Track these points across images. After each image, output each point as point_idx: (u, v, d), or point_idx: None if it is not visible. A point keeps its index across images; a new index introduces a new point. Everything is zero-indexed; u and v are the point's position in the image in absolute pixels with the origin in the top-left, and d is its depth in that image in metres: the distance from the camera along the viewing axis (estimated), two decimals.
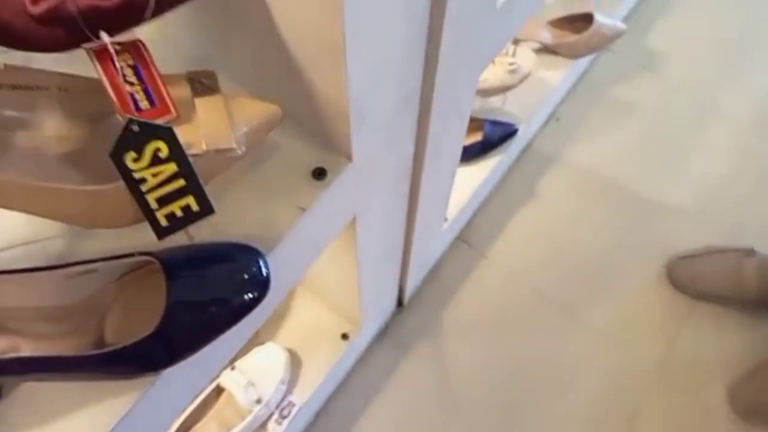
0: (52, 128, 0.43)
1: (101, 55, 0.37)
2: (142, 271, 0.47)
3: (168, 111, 0.39)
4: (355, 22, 0.41)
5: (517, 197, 1.36)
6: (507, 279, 1.27)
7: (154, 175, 0.39)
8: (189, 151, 0.40)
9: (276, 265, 0.49)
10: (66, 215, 0.41)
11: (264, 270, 0.47)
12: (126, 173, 0.38)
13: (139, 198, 0.39)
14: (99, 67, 0.37)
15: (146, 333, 0.40)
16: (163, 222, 0.41)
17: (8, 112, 0.41)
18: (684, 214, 1.35)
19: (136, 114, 0.38)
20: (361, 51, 0.44)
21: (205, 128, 0.42)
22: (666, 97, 1.54)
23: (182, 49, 0.49)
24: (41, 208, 0.39)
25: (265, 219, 0.52)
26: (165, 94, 0.39)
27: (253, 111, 0.45)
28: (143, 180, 0.39)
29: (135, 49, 0.38)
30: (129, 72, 0.38)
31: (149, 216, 0.40)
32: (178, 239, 0.44)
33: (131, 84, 0.38)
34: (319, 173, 0.55)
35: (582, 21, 1.33)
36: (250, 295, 0.46)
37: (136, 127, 0.37)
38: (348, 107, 0.49)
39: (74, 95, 0.42)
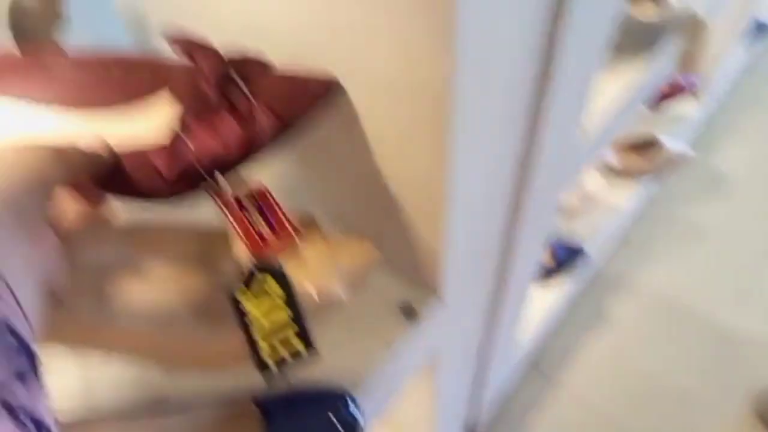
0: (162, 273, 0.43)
1: (226, 202, 0.38)
2: (234, 412, 0.46)
3: (291, 241, 0.39)
4: (459, 178, 0.42)
5: (589, 322, 1.31)
6: (581, 410, 1.19)
7: (267, 318, 0.39)
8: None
9: (362, 404, 0.48)
10: (177, 363, 0.40)
11: (357, 416, 0.47)
12: (240, 315, 0.38)
13: (250, 341, 0.39)
14: (225, 211, 0.38)
15: None
16: (274, 369, 0.40)
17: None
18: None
19: (260, 248, 0.38)
20: (461, 201, 0.45)
21: (311, 272, 0.42)
22: (736, 220, 1.50)
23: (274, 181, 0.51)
24: (158, 357, 0.38)
25: (353, 356, 0.51)
26: (287, 225, 0.39)
27: (353, 254, 0.45)
28: (255, 321, 0.39)
29: (260, 194, 0.39)
30: (251, 207, 0.39)
31: (258, 360, 0.39)
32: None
33: (255, 219, 0.39)
34: (408, 311, 0.54)
35: (649, 144, 1.34)
36: None
37: (256, 270, 0.37)
38: (443, 251, 0.49)
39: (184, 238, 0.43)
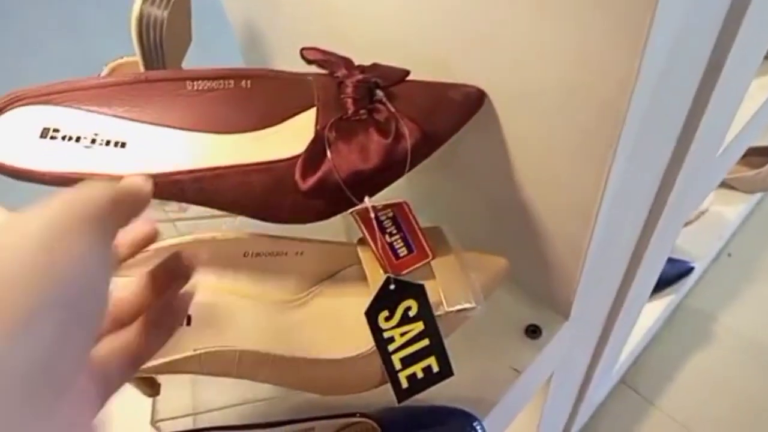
0: (283, 292, 0.43)
1: (365, 217, 0.37)
2: (355, 427, 0.45)
3: (426, 256, 0.39)
4: (610, 197, 0.40)
5: (688, 339, 1.24)
6: (671, 428, 1.13)
7: (402, 335, 0.38)
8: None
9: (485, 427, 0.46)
10: (307, 384, 0.40)
11: None
12: (377, 332, 0.37)
13: (386, 358, 0.38)
14: (362, 226, 0.37)
15: None
16: (404, 383, 0.39)
17: (249, 280, 0.42)
18: None
19: (395, 262, 0.37)
20: (606, 221, 0.43)
21: (444, 287, 0.40)
22: None
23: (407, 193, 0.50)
24: (285, 378, 0.38)
25: (477, 379, 0.49)
26: (423, 240, 0.39)
27: (483, 266, 0.43)
28: (391, 339, 0.38)
29: (398, 208, 0.38)
30: (389, 224, 0.38)
31: (392, 377, 0.38)
32: None
33: (391, 234, 0.38)
34: (533, 331, 0.52)
35: (759, 155, 1.26)
36: None
37: (392, 286, 0.37)
38: (579, 272, 0.47)
39: (308, 258, 0.43)
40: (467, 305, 0.40)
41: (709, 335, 1.25)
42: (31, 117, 0.38)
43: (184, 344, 0.35)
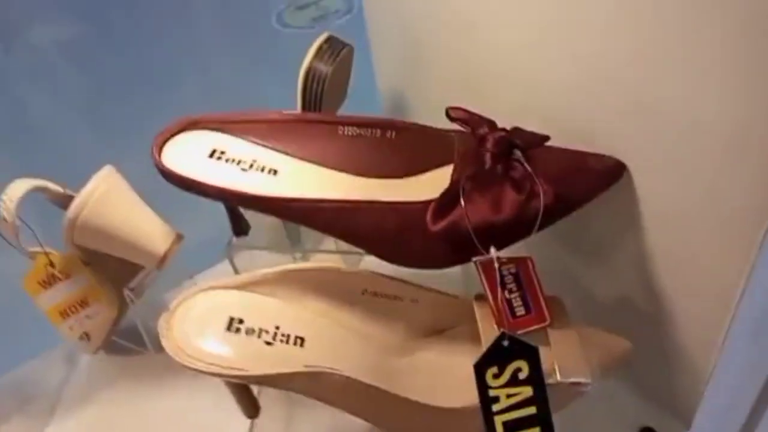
0: (394, 337, 0.44)
1: (488, 267, 0.37)
2: None
3: (544, 319, 0.38)
4: (754, 290, 0.37)
5: None
6: None
7: (509, 396, 0.37)
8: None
9: None
10: (401, 428, 0.39)
11: None
12: (483, 388, 0.36)
13: (488, 418, 0.36)
14: (483, 276, 0.37)
15: None
16: None
17: (363, 316, 0.43)
18: None
19: (511, 321, 0.37)
20: (748, 318, 0.40)
21: (559, 356, 0.39)
22: None
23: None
24: (383, 419, 0.38)
25: None
26: (542, 303, 0.38)
27: (603, 343, 0.42)
28: (496, 399, 0.37)
29: (522, 263, 0.38)
30: (510, 279, 0.38)
31: None
32: None
33: (511, 291, 0.37)
34: None
35: None
36: None
37: (506, 342, 0.36)
38: (708, 376, 0.43)
39: (422, 308, 0.44)
40: (582, 379, 0.38)
41: None
42: (205, 139, 0.43)
43: (295, 361, 0.36)
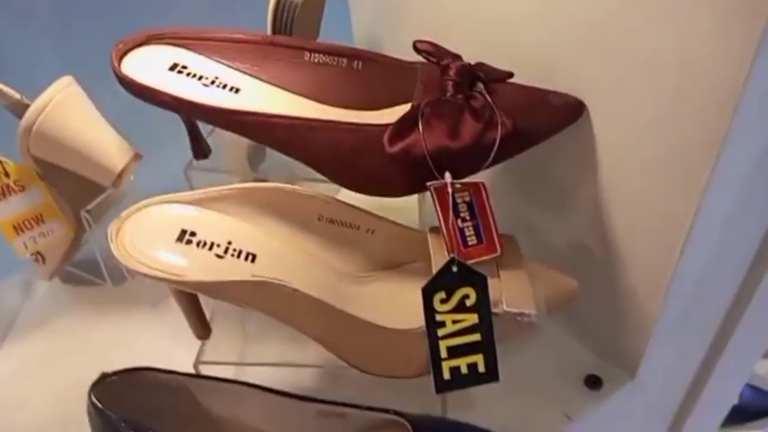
0: (348, 266, 0.44)
1: (441, 192, 0.37)
2: (386, 431, 0.43)
3: (495, 250, 0.38)
4: (700, 232, 0.38)
5: None
6: None
7: (454, 322, 0.37)
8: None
9: None
10: (349, 350, 0.40)
11: None
12: (430, 312, 0.37)
13: (433, 342, 0.37)
14: (436, 202, 0.37)
15: None
16: (446, 374, 0.37)
17: (318, 242, 0.43)
18: None
19: (463, 250, 0.37)
20: (695, 262, 0.41)
21: (507, 287, 0.39)
22: None
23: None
24: (330, 335, 0.38)
25: (525, 417, 0.47)
26: (494, 233, 0.38)
27: (551, 280, 0.42)
28: (442, 324, 0.37)
29: (475, 189, 0.38)
30: (464, 208, 0.38)
31: (435, 364, 0.37)
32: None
33: (464, 220, 0.38)
34: (594, 382, 0.49)
35: None
36: None
37: (455, 268, 0.36)
38: (655, 322, 0.44)
39: (378, 239, 0.44)
40: (526, 310, 0.39)
41: None
42: (167, 54, 0.42)
43: (244, 273, 0.36)
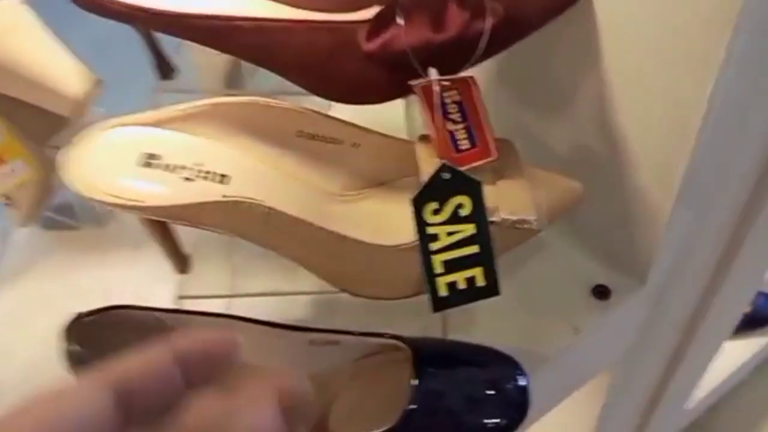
0: (332, 183, 0.40)
1: (426, 91, 0.34)
2: (383, 356, 0.41)
3: (489, 153, 0.35)
4: (710, 134, 0.35)
5: None
6: None
7: (449, 234, 0.34)
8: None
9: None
10: (336, 272, 0.37)
11: (525, 392, 0.39)
12: (421, 225, 0.33)
13: (426, 257, 0.34)
14: (423, 103, 0.34)
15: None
16: (443, 291, 0.35)
17: (297, 160, 0.39)
18: None
19: (455, 155, 0.34)
20: (704, 165, 0.37)
21: (505, 194, 0.36)
22: None
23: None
24: (314, 257, 0.35)
25: (531, 332, 0.45)
26: (488, 135, 0.35)
27: (553, 186, 0.39)
28: (435, 237, 0.34)
29: (464, 85, 0.34)
30: (453, 109, 0.34)
31: (430, 281, 0.34)
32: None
33: (454, 122, 0.34)
34: (602, 292, 0.46)
35: None
36: (496, 422, 0.38)
37: (447, 175, 0.33)
38: (665, 223, 0.41)
39: (364, 153, 0.40)
40: (527, 217, 0.36)
41: None
42: None
43: (214, 192, 0.33)
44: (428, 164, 0.36)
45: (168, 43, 0.42)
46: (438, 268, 0.34)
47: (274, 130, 0.38)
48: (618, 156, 0.41)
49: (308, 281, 0.39)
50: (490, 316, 0.44)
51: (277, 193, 0.35)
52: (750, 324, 1.00)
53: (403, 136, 0.41)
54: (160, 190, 0.33)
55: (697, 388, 0.95)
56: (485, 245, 0.34)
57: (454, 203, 0.34)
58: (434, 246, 0.34)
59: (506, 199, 0.36)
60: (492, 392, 0.39)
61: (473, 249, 0.34)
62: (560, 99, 0.44)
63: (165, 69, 0.41)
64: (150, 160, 0.34)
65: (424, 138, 0.37)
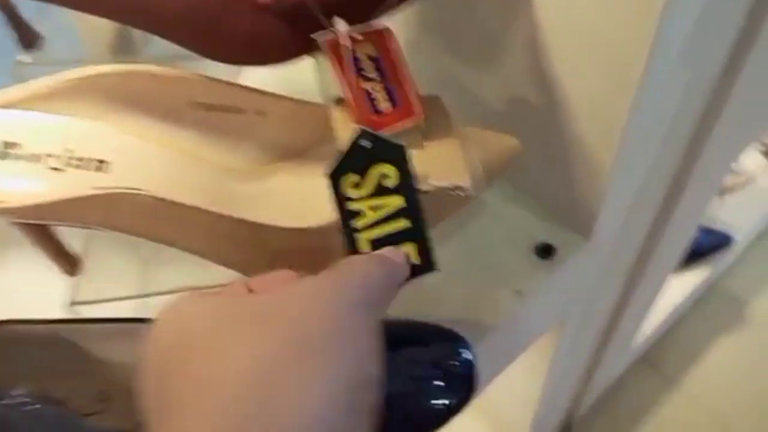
0: (237, 159, 0.35)
1: (333, 46, 0.29)
2: None
3: (413, 113, 0.30)
4: (650, 87, 0.32)
5: (721, 319, 1.14)
6: (697, 416, 1.04)
7: (374, 209, 0.30)
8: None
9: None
10: (248, 261, 0.32)
11: (471, 367, 0.36)
12: (341, 200, 0.29)
13: (349, 236, 0.30)
14: (332, 60, 0.29)
15: None
16: None
17: (194, 136, 0.34)
18: None
19: (374, 118, 0.29)
20: (644, 121, 0.34)
21: (435, 158, 0.32)
22: None
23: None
24: (221, 249, 0.30)
25: (473, 299, 0.41)
26: (410, 92, 0.30)
27: (487, 144, 0.35)
28: (359, 213, 0.30)
29: (379, 38, 0.29)
30: (368, 65, 0.29)
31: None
32: None
33: (370, 80, 0.29)
34: (545, 250, 0.43)
35: None
36: (445, 402, 0.35)
37: (366, 142, 0.28)
38: (608, 174, 0.38)
39: (272, 122, 0.35)
40: (461, 183, 0.32)
41: (743, 318, 1.15)
42: None
43: (86, 184, 0.28)
44: (346, 131, 0.32)
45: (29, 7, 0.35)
46: (365, 248, 0.30)
47: (163, 103, 0.32)
48: (555, 107, 0.37)
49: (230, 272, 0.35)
50: (428, 287, 0.40)
51: (169, 179, 0.30)
52: (690, 258, 1.02)
53: (318, 100, 0.37)
54: (22, 186, 0.27)
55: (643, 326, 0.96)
56: (416, 218, 0.30)
57: (377, 174, 0.29)
58: (358, 223, 0.30)
59: (437, 164, 0.32)
60: (437, 371, 0.37)
61: (403, 224, 0.30)
62: (491, 47, 0.39)
63: (28, 38, 0.35)
64: (7, 150, 0.28)
65: (340, 101, 0.32)
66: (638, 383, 1.09)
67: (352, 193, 0.29)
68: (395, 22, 0.32)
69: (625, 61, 0.31)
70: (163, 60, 0.41)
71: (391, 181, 0.30)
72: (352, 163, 0.29)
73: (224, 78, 0.33)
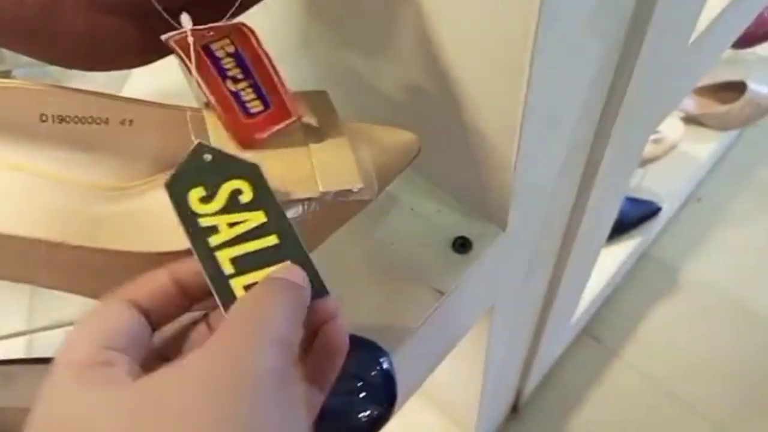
0: (103, 176, 0.31)
1: (185, 46, 0.25)
2: None
3: (288, 113, 0.27)
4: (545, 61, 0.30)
5: (654, 288, 1.17)
6: (641, 384, 1.06)
7: (231, 225, 0.26)
8: (299, 194, 0.28)
9: (400, 368, 0.37)
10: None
11: (390, 376, 0.36)
12: (186, 216, 0.25)
13: (204, 255, 0.25)
14: (185, 62, 0.25)
15: None
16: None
17: (48, 154, 0.29)
18: None
19: (246, 121, 0.26)
20: (545, 103, 0.32)
21: (321, 160, 0.29)
22: None
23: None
24: (83, 282, 0.27)
25: (390, 303, 0.40)
26: (281, 91, 0.27)
27: (381, 141, 0.32)
28: (212, 229, 0.26)
29: (238, 34, 0.26)
30: (230, 64, 0.26)
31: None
32: None
33: (235, 81, 0.26)
34: (462, 244, 0.41)
35: (732, 90, 1.17)
36: (370, 414, 0.35)
37: (208, 156, 0.25)
38: (514, 162, 0.36)
39: (140, 131, 0.31)
40: (351, 186, 0.29)
41: (676, 285, 1.17)
42: None
43: None
44: (220, 136, 0.29)
45: None
46: (228, 268, 0.26)
47: (7, 119, 0.28)
48: (453, 96, 0.35)
49: None
50: (345, 293, 0.37)
51: (15, 209, 0.26)
52: (619, 229, 1.03)
53: (192, 103, 0.33)
54: None
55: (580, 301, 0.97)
56: (286, 235, 0.27)
57: (229, 188, 0.26)
58: (214, 241, 0.26)
59: (324, 167, 0.29)
60: (359, 383, 0.35)
61: (270, 240, 0.27)
62: (380, 35, 0.37)
63: None
64: None
65: (208, 105, 0.29)
66: (582, 357, 1.10)
67: (200, 208, 0.26)
68: (276, 6, 0.29)
69: (512, 39, 0.29)
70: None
71: (247, 197, 0.26)
72: (193, 176, 0.25)
73: (105, 90, 0.30)
